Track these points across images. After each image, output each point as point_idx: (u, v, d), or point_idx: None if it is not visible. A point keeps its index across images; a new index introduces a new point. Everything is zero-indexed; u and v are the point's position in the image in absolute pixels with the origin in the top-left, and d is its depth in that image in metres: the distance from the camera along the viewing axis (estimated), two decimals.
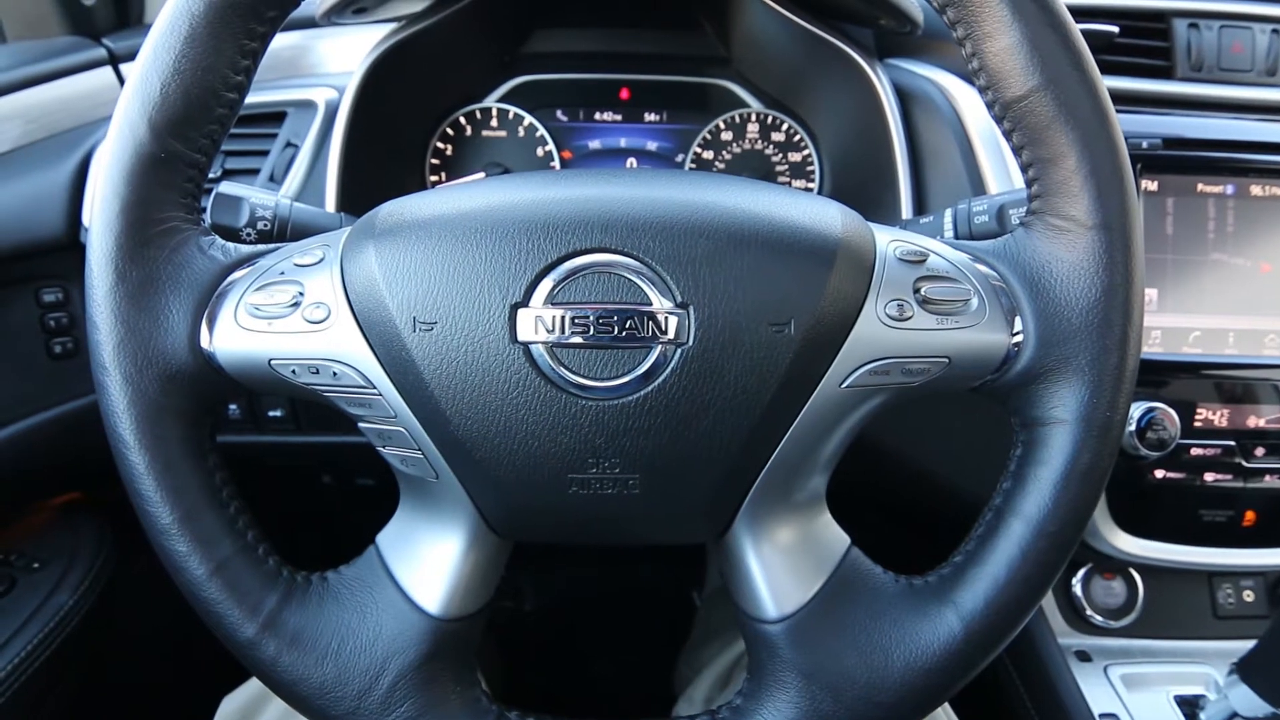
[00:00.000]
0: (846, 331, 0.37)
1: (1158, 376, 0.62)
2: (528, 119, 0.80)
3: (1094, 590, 0.70)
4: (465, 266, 0.36)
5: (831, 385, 0.37)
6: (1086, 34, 0.66)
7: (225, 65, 0.38)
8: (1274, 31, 0.68)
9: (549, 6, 0.76)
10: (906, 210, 0.65)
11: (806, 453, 0.39)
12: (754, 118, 0.80)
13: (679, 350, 0.35)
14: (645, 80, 0.81)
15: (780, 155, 0.81)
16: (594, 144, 0.82)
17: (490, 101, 0.80)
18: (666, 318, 0.35)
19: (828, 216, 0.38)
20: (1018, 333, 0.39)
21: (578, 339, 0.35)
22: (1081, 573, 0.71)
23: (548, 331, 0.35)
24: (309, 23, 0.68)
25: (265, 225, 0.51)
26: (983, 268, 0.40)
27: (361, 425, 0.41)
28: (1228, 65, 0.67)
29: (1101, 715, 0.63)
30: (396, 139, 0.76)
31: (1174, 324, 0.63)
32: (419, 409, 0.37)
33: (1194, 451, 0.63)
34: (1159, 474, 0.63)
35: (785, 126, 0.80)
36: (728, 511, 0.40)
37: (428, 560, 0.41)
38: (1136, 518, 0.65)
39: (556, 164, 0.81)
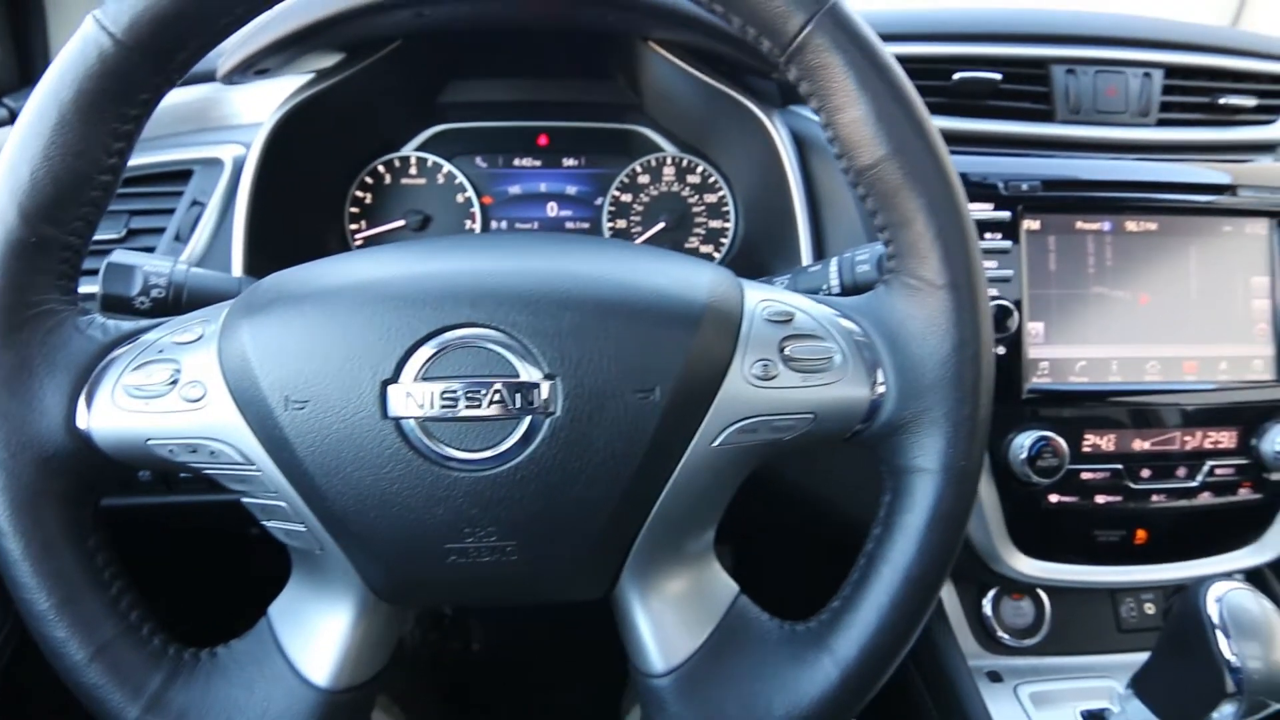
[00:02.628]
0: (714, 393, 0.38)
1: (1047, 406, 0.65)
2: (446, 167, 0.81)
3: (1004, 611, 0.73)
4: (337, 344, 0.36)
5: (703, 445, 0.39)
6: (972, 81, 0.71)
7: (97, 150, 0.38)
8: (1145, 75, 0.73)
9: (463, 59, 0.77)
10: (806, 255, 0.68)
11: (688, 509, 0.41)
12: (670, 161, 0.82)
13: (548, 420, 0.36)
14: (563, 127, 0.83)
15: (697, 197, 0.83)
16: (514, 189, 0.83)
17: (409, 150, 0.81)
18: (534, 389, 0.36)
19: (696, 282, 0.40)
20: (881, 385, 0.41)
21: (448, 413, 0.36)
22: (991, 594, 0.74)
23: (418, 407, 0.36)
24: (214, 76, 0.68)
25: (160, 293, 0.51)
26: (848, 324, 0.42)
27: (244, 501, 0.41)
28: (1103, 108, 0.72)
29: None
30: (312, 191, 0.76)
31: (1060, 355, 0.66)
32: (298, 485, 0.38)
33: (1084, 476, 0.66)
34: (1054, 499, 0.66)
35: (700, 169, 0.83)
36: (610, 570, 0.41)
37: (317, 631, 0.41)
38: (1037, 541, 0.67)
39: (476, 210, 0.82)
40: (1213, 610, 0.52)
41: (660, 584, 0.42)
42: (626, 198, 0.83)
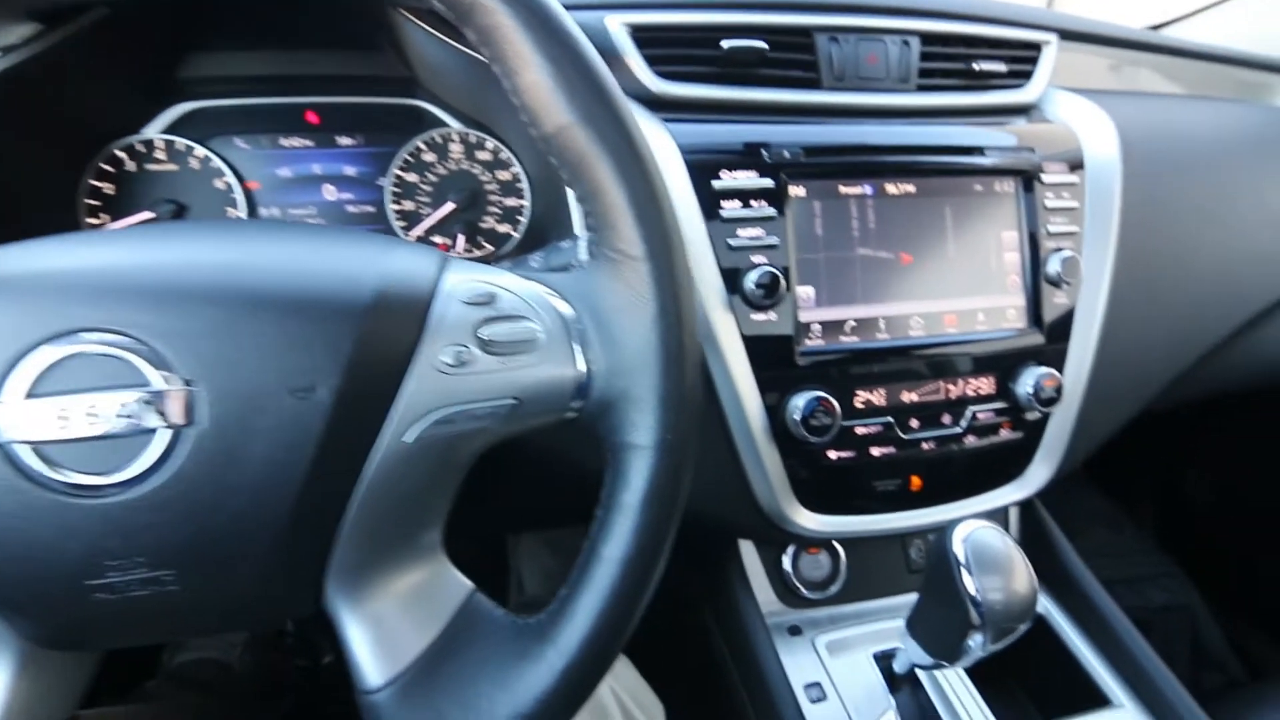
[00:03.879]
0: (396, 385, 0.36)
1: (820, 367, 0.67)
2: (199, 150, 0.73)
3: (802, 566, 0.76)
4: None
5: (394, 442, 0.36)
6: (741, 50, 0.71)
7: None
8: (904, 43, 0.76)
9: (200, 29, 0.70)
10: (579, 227, 0.66)
11: (395, 509, 0.38)
12: (455, 137, 0.78)
13: (191, 432, 0.33)
14: (334, 103, 0.77)
15: (489, 174, 0.80)
16: (284, 171, 0.76)
17: (151, 133, 0.72)
18: (170, 399, 0.32)
19: (374, 267, 0.37)
20: (589, 362, 0.40)
21: (66, 434, 0.32)
22: (790, 551, 0.76)
23: (28, 429, 0.31)
24: None
25: None
26: (558, 302, 0.41)
27: None
28: (865, 74, 0.74)
29: (806, 685, 0.68)
30: (27, 182, 0.66)
31: (831, 317, 0.68)
32: None
33: (858, 430, 0.69)
34: (832, 455, 0.69)
35: (490, 145, 0.79)
36: (306, 586, 0.38)
37: None
38: (821, 497, 0.70)
39: (239, 195, 0.75)
40: (959, 549, 0.55)
41: (374, 593, 0.39)
42: (412, 177, 0.78)
